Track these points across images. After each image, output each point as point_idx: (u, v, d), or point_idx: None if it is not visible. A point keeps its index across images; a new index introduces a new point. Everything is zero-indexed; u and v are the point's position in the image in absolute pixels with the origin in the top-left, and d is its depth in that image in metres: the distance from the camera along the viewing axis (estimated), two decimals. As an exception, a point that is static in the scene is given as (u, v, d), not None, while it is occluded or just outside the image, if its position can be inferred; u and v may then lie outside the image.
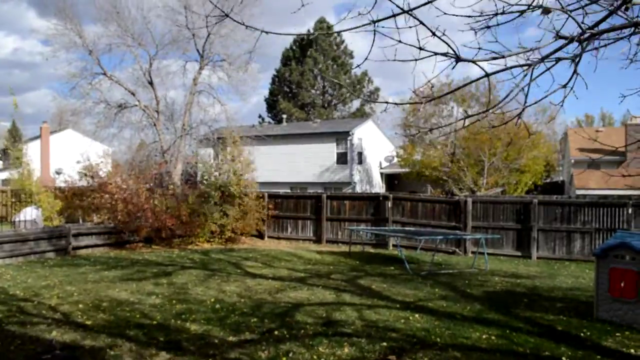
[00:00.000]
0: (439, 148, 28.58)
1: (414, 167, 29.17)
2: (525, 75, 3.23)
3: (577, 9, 3.26)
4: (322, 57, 50.39)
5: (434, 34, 3.12)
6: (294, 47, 52.13)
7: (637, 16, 3.19)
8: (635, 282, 7.86)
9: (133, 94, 24.48)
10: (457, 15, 3.26)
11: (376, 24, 3.11)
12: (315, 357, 6.29)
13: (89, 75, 24.01)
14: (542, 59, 3.21)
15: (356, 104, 52.68)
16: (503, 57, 3.23)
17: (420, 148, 30.68)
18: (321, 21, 50.62)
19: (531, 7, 3.26)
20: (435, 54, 3.23)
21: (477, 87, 27.27)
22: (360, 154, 33.48)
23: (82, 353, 6.30)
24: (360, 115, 47.84)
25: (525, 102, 3.51)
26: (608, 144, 30.50)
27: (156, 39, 24.68)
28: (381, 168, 36.06)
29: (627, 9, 3.08)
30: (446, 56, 3.24)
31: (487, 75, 3.30)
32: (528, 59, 3.22)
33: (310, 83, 50.98)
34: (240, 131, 24.73)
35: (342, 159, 32.73)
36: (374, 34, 3.15)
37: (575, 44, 3.22)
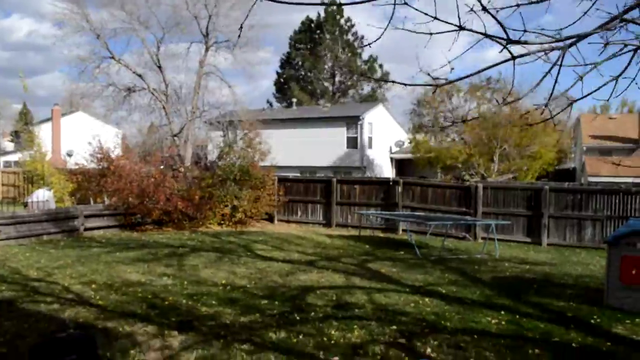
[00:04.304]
0: (450, 134, 28.43)
1: (428, 153, 28.72)
2: (559, 57, 3.01)
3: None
4: (331, 42, 49.97)
5: (484, 8, 2.86)
6: (303, 30, 51.68)
7: None
8: (647, 270, 7.83)
9: (141, 77, 24.46)
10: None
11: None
12: (325, 339, 6.33)
13: (97, 59, 24.01)
14: (577, 39, 2.96)
15: (367, 90, 52.34)
16: (563, 39, 2.94)
17: (430, 134, 30.50)
18: (331, 3, 50.08)
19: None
20: (485, 35, 2.93)
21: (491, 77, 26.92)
22: (370, 138, 33.35)
23: (95, 332, 6.38)
24: (372, 100, 47.59)
25: (553, 90, 3.26)
26: (622, 131, 30.26)
27: (161, 22, 24.56)
28: (391, 153, 35.94)
29: None
30: (492, 39, 2.98)
31: (514, 58, 3.11)
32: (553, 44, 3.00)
33: (319, 69, 50.67)
34: (250, 114, 24.67)
35: (352, 143, 32.64)
36: (393, 7, 3.00)
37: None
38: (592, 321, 7.50)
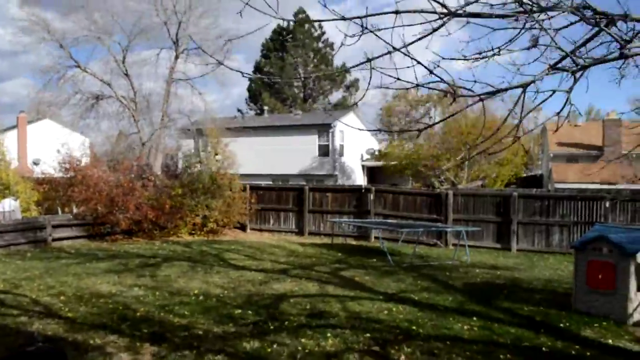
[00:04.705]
0: (418, 141, 28.66)
1: (399, 159, 28.89)
2: (519, 98, 3.43)
3: (564, 27, 3.41)
4: (303, 48, 50.16)
5: (431, 72, 3.32)
6: (274, 38, 51.82)
7: (621, 35, 3.38)
8: (613, 274, 8.03)
9: (109, 85, 24.18)
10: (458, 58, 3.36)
11: (372, 61, 3.30)
12: (299, 348, 6.32)
13: (62, 68, 23.70)
14: (533, 81, 3.39)
15: (337, 96, 52.66)
16: (499, 91, 3.46)
17: (398, 142, 30.75)
18: (300, 12, 50.23)
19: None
20: (435, 89, 3.70)
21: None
22: (342, 146, 33.48)
23: (64, 345, 6.26)
24: (343, 107, 47.78)
25: (518, 128, 3.74)
26: (587, 138, 30.99)
27: (128, 29, 24.36)
28: (363, 160, 36.13)
29: (610, 26, 3.25)
30: (444, 92, 3.54)
31: (481, 99, 3.48)
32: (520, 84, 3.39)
33: (290, 75, 50.72)
34: (221, 122, 24.53)
35: (324, 151, 32.72)
36: (370, 72, 3.32)
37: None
38: (561, 325, 7.66)
